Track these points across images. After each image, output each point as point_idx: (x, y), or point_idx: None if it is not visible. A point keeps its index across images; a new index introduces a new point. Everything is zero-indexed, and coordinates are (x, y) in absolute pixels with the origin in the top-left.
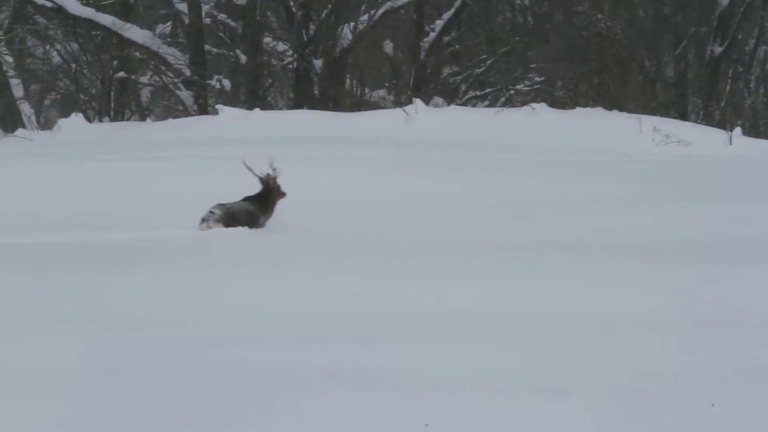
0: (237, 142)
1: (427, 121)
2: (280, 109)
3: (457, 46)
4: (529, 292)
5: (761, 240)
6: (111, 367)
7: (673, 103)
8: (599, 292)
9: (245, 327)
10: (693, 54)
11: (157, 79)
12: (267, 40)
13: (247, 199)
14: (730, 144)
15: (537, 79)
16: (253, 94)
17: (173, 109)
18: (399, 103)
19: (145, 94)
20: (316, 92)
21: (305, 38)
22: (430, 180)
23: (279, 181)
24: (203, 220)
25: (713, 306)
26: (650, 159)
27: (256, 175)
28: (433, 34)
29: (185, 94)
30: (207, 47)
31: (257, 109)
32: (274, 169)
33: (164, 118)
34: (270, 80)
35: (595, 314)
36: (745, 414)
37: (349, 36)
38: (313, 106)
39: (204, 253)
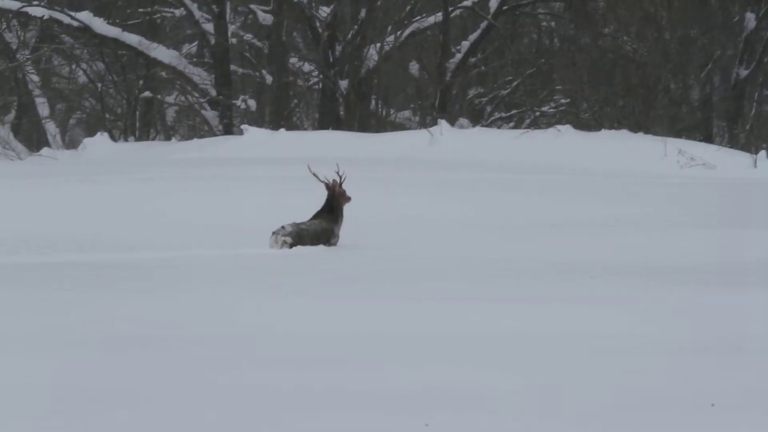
0: (262, 162)
1: (452, 142)
2: (305, 129)
3: (483, 68)
4: (543, 315)
5: None
6: (116, 389)
7: (698, 126)
8: (616, 316)
9: (254, 349)
10: (719, 77)
11: (182, 98)
12: (293, 60)
13: (316, 215)
14: (755, 167)
15: (562, 101)
16: (278, 115)
17: (198, 129)
18: (424, 124)
19: (170, 114)
20: (342, 113)
21: (331, 59)
22: (453, 201)
23: (344, 186)
24: (273, 233)
25: (728, 330)
26: (675, 182)
27: (321, 181)
28: (459, 55)
29: (210, 114)
30: (232, 67)
31: (282, 130)
32: (340, 175)
33: (189, 137)
34: (295, 100)
35: (612, 337)
36: None
37: (375, 57)
38: (338, 127)
39: (216, 275)
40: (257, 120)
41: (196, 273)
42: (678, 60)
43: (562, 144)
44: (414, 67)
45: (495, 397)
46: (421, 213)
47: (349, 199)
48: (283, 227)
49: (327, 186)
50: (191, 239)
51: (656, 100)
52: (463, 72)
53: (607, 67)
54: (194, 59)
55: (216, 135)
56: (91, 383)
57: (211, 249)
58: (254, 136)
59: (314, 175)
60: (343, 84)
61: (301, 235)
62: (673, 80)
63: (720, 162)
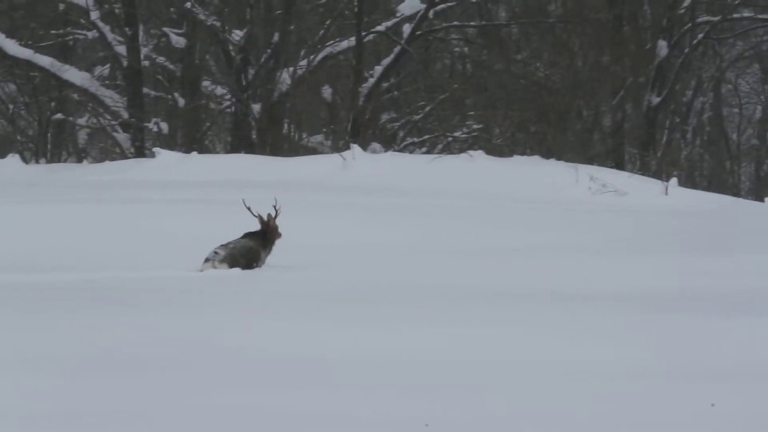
0: (174, 185)
1: (364, 167)
2: (218, 152)
3: (396, 93)
4: (487, 340)
5: (702, 291)
6: (94, 410)
7: (610, 153)
8: (557, 341)
9: (230, 371)
10: (631, 104)
11: (94, 121)
12: (205, 83)
13: (247, 235)
14: (666, 194)
15: (475, 126)
16: (190, 138)
17: (110, 152)
18: (337, 149)
19: (82, 136)
20: (254, 136)
21: (244, 82)
22: (369, 226)
23: (278, 221)
24: (207, 260)
25: (676, 356)
26: (587, 208)
27: (256, 216)
28: (372, 80)
29: (122, 137)
30: (145, 90)
31: (194, 153)
32: (276, 209)
33: (101, 160)
34: (208, 124)
35: (560, 363)
36: None
37: (288, 81)
38: (250, 151)
39: (165, 297)
40: (169, 143)
41: (142, 295)
42: (590, 87)
43: (474, 169)
44: (327, 92)
45: (475, 422)
46: (336, 237)
47: (280, 235)
48: (216, 252)
49: (261, 221)
50: (105, 262)
51: (568, 126)
52: (376, 97)
53: (520, 94)
54: (106, 81)
55: (128, 157)
56: (66, 405)
57: (133, 271)
58: (166, 159)
59: (248, 209)
60: (256, 107)
61: (234, 257)
62: (585, 107)
63: (631, 189)
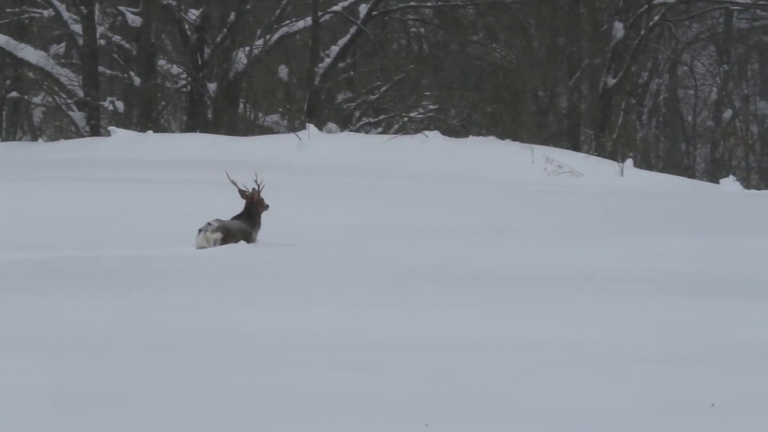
0: (130, 164)
1: (320, 146)
2: (173, 131)
3: (352, 73)
4: (455, 321)
5: (654, 271)
6: (81, 391)
7: (565, 134)
8: (524, 322)
9: (215, 353)
10: (586, 85)
11: (49, 99)
12: (161, 62)
13: (236, 218)
14: (622, 175)
15: (431, 107)
16: (146, 117)
17: (65, 130)
18: (292, 128)
19: (37, 115)
20: (210, 116)
21: (199, 61)
22: (328, 206)
23: (262, 194)
24: (200, 231)
25: (647, 336)
26: (542, 189)
27: (240, 190)
28: (328, 60)
29: (78, 116)
30: (100, 69)
31: (150, 132)
32: (258, 183)
33: (56, 139)
34: (163, 103)
35: (530, 344)
36: None
37: (244, 60)
38: (206, 130)
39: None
40: (125, 122)
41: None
42: (546, 68)
43: (429, 150)
44: (283, 71)
45: (447, 403)
46: (296, 218)
47: (267, 207)
48: (209, 224)
49: (244, 195)
50: (63, 241)
51: (524, 107)
52: (332, 77)
53: (476, 74)
54: (62, 60)
55: (83, 136)
56: (52, 386)
57: (84, 250)
58: (122, 137)
59: (233, 182)
60: (212, 87)
61: (228, 230)
62: (541, 88)
63: (587, 170)
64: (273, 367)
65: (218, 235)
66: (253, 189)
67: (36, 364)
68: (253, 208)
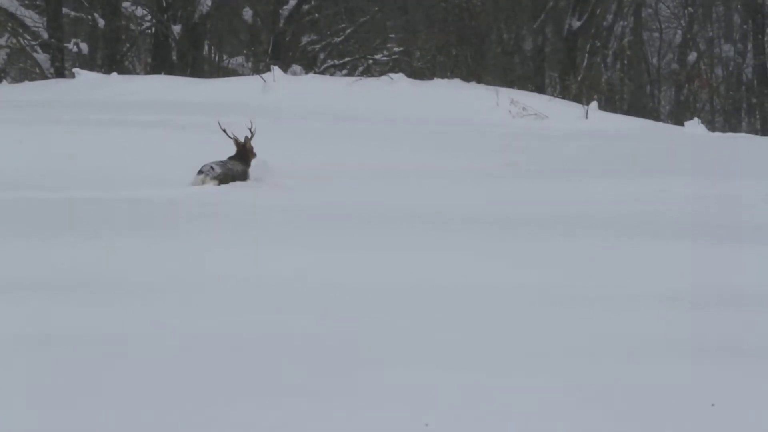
0: (95, 106)
1: (284, 89)
2: (138, 73)
3: (316, 15)
4: (420, 265)
5: (620, 214)
6: (73, 334)
7: (530, 77)
8: (489, 265)
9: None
10: (551, 28)
11: (13, 41)
12: (125, 4)
13: (230, 158)
14: (586, 118)
15: (395, 49)
16: (110, 59)
17: (30, 72)
18: (257, 71)
19: (1, 56)
20: (174, 58)
21: (164, 3)
22: (294, 149)
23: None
24: (200, 172)
25: (608, 278)
26: (507, 132)
27: (231, 138)
28: (292, 2)
29: (42, 57)
30: (65, 10)
31: (114, 74)
32: (251, 130)
33: (20, 80)
34: (128, 45)
35: (496, 287)
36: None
37: (209, 2)
38: (170, 72)
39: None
40: (89, 64)
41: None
42: (511, 10)
43: (394, 92)
44: (247, 14)
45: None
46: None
47: (255, 155)
48: (212, 168)
49: (237, 143)
50: (33, 182)
51: (489, 49)
52: (297, 19)
53: (441, 16)
54: (26, 1)
55: (47, 78)
56: (46, 329)
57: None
58: (86, 79)
59: (224, 131)
60: (176, 29)
61: (227, 175)
62: (506, 30)
63: (552, 112)
64: (261, 309)
65: (217, 182)
66: (245, 137)
67: (28, 307)
68: (246, 155)
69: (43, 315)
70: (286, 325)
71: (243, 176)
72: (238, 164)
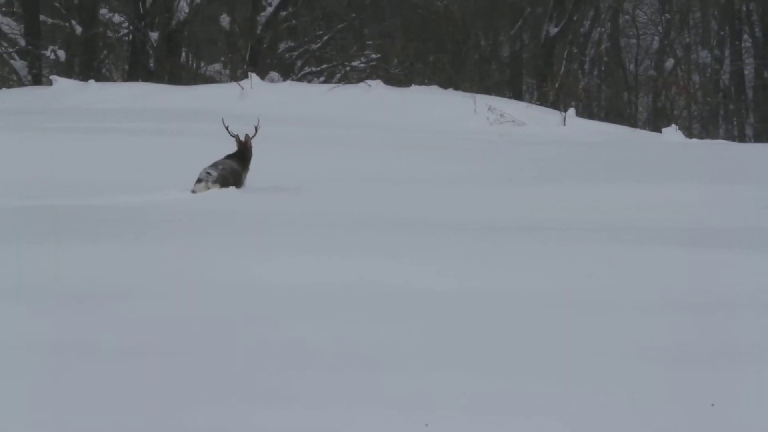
0: (73, 113)
1: (262, 96)
2: (115, 81)
3: (294, 22)
4: (399, 269)
5: (597, 222)
6: (60, 340)
7: (507, 83)
8: (480, 270)
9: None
10: (528, 34)
11: None
12: (103, 11)
13: (228, 157)
14: (564, 125)
15: (373, 56)
16: (87, 66)
17: (7, 79)
18: (234, 78)
19: None
20: (152, 65)
21: (141, 10)
22: (273, 155)
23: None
24: (200, 180)
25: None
26: (485, 138)
27: (233, 136)
28: (270, 9)
29: (19, 64)
30: (42, 17)
31: (92, 81)
32: (256, 128)
33: None
34: (105, 52)
35: (490, 291)
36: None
37: (186, 9)
38: (148, 79)
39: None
40: (66, 71)
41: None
42: (488, 16)
43: (372, 99)
44: (225, 20)
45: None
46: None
47: (252, 155)
48: (209, 173)
49: (239, 141)
50: (18, 191)
51: (466, 56)
52: (274, 25)
53: (418, 23)
54: (3, 9)
55: (25, 85)
56: (37, 335)
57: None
58: (63, 87)
59: (226, 128)
60: (154, 36)
61: (225, 178)
62: (484, 37)
63: (529, 119)
64: (262, 316)
65: (217, 186)
66: (247, 135)
67: (16, 311)
68: (247, 153)
69: (29, 322)
70: (281, 329)
71: (237, 177)
72: (234, 162)
